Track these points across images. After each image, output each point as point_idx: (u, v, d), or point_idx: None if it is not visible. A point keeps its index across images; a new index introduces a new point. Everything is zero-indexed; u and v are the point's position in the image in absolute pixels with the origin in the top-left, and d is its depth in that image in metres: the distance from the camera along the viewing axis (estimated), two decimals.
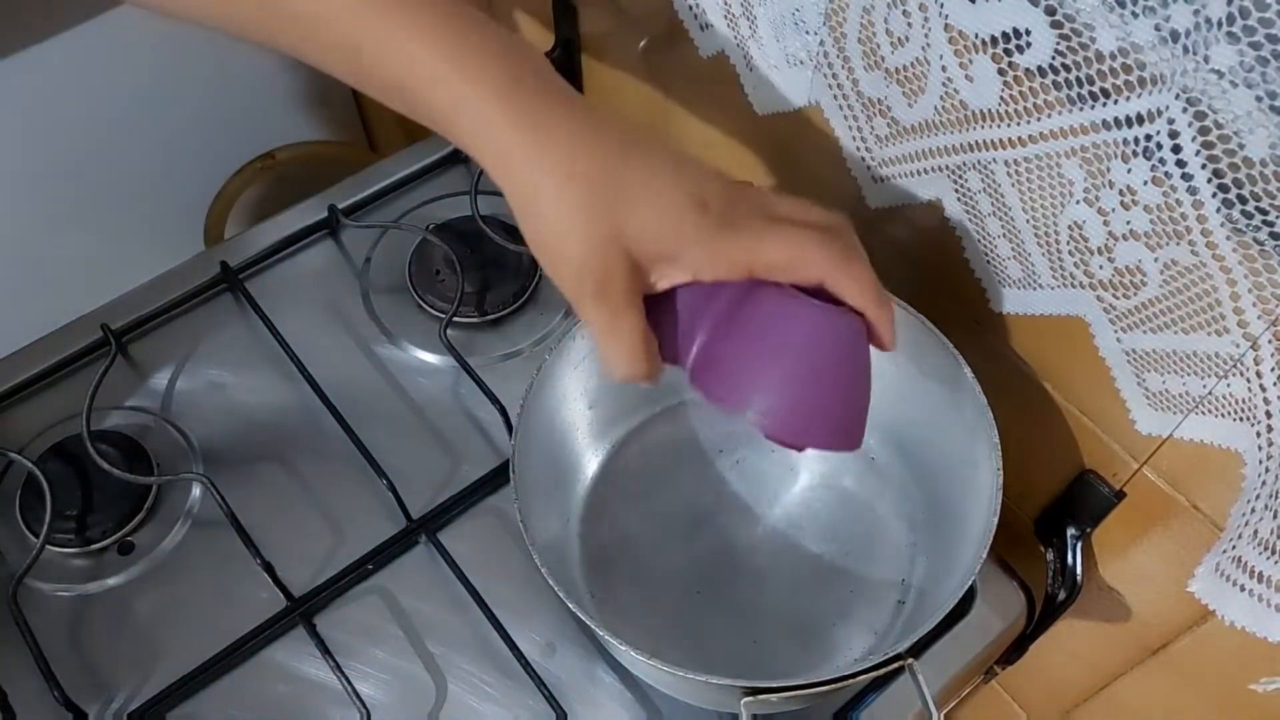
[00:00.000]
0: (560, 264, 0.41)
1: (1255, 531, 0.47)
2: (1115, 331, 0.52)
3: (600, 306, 0.42)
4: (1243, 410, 0.47)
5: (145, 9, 0.45)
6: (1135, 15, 0.41)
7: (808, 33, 0.58)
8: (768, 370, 0.44)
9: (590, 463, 0.65)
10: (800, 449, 0.48)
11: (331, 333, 0.74)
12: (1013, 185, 0.52)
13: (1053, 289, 0.54)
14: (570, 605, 0.50)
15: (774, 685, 0.49)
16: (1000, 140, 0.51)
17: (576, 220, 0.40)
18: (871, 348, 0.47)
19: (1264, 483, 0.47)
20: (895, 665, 0.50)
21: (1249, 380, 0.46)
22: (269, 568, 0.62)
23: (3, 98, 0.86)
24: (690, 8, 0.66)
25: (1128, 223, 0.47)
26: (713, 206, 0.41)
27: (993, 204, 0.54)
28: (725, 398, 0.45)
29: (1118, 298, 0.50)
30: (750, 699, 0.49)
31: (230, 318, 0.75)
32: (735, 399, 0.44)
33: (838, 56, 0.57)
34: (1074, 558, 0.61)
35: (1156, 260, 0.47)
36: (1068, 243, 0.51)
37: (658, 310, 0.44)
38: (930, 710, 0.51)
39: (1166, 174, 0.44)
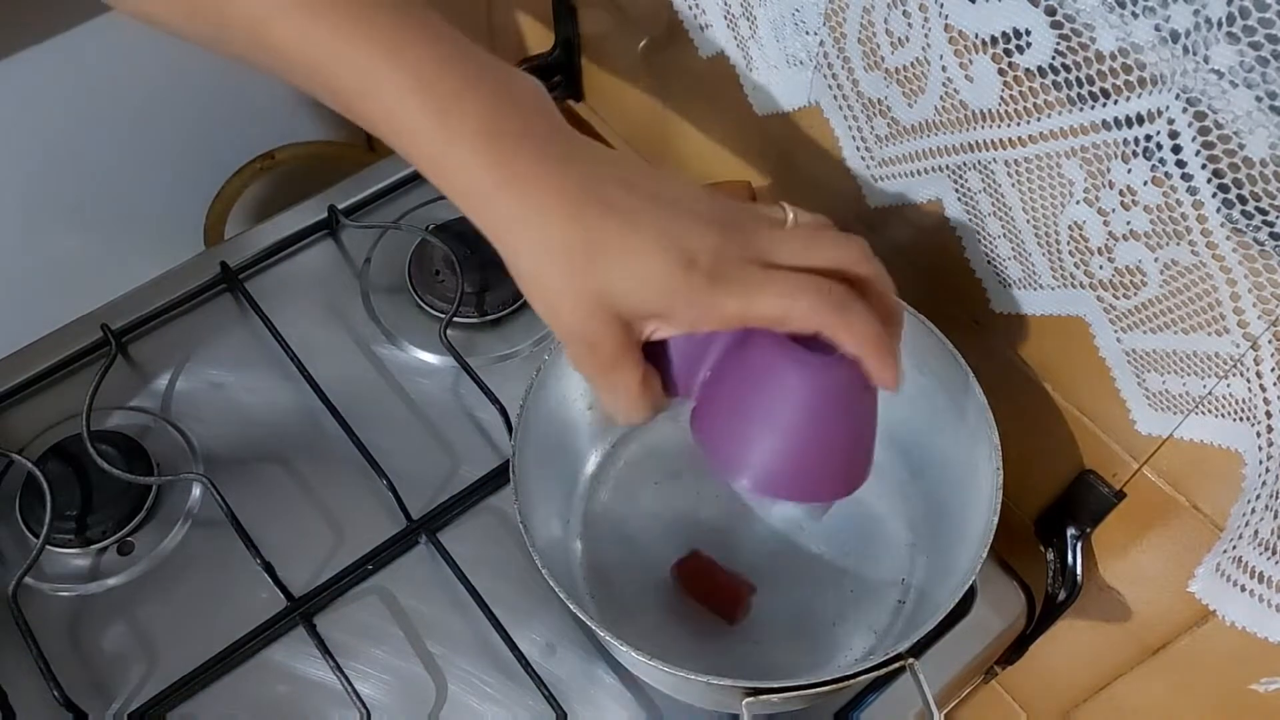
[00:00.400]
0: (551, 322, 0.41)
1: (1256, 532, 0.47)
2: (1115, 331, 0.52)
3: (592, 365, 0.41)
4: (1243, 410, 0.47)
5: (131, 17, 0.45)
6: (1135, 15, 0.41)
7: (808, 33, 0.58)
8: (757, 435, 0.44)
9: (590, 463, 0.65)
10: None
11: (331, 333, 0.74)
12: (1013, 185, 0.52)
13: (1053, 289, 0.54)
14: (571, 607, 0.50)
15: (776, 685, 0.49)
16: (1000, 140, 0.51)
17: (561, 290, 0.39)
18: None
19: (1264, 483, 0.47)
20: (896, 665, 0.50)
21: (1249, 380, 0.46)
22: (269, 568, 0.62)
23: (3, 98, 0.86)
24: (690, 8, 0.66)
25: (1128, 223, 0.47)
26: (701, 262, 0.39)
27: (993, 204, 0.54)
28: (718, 465, 0.45)
29: (1118, 298, 0.50)
30: (752, 699, 0.49)
31: (230, 318, 0.75)
32: (727, 468, 0.45)
33: (838, 56, 0.57)
34: (1074, 558, 0.61)
35: (1156, 260, 0.47)
36: (1068, 243, 0.51)
37: (660, 348, 0.43)
38: (931, 710, 0.51)
39: (1166, 174, 0.44)
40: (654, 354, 0.43)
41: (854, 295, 0.42)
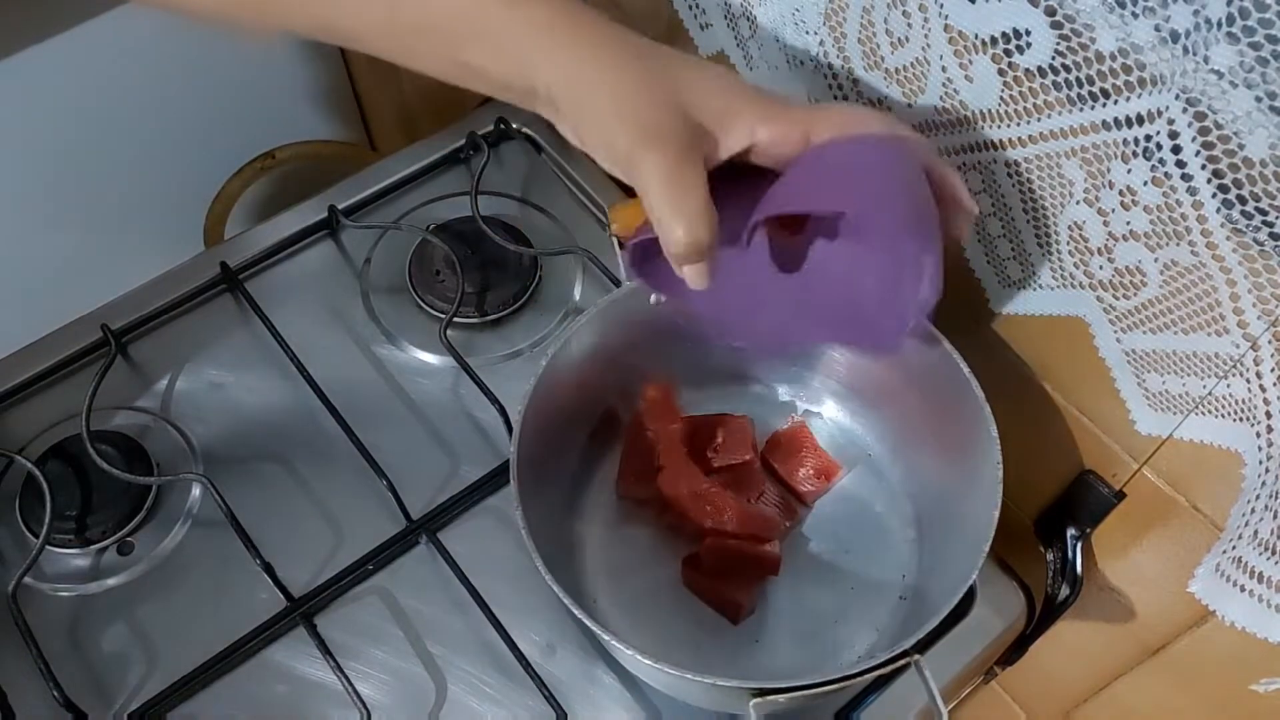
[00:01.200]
0: (622, 127, 0.43)
1: (1255, 532, 0.47)
2: (1115, 332, 0.52)
3: (663, 160, 0.42)
4: (1243, 410, 0.47)
5: (150, 4, 0.45)
6: (1135, 15, 0.41)
7: (808, 33, 0.58)
8: (835, 177, 0.46)
9: (590, 463, 0.65)
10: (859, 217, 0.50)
11: (331, 333, 0.74)
12: (1013, 185, 0.52)
13: (1053, 289, 0.54)
14: (576, 611, 0.50)
15: (783, 686, 0.49)
16: (1000, 140, 0.51)
17: (637, 89, 0.43)
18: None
19: (1264, 483, 0.47)
20: (903, 662, 0.50)
21: (1249, 380, 0.46)
22: (269, 568, 0.62)
23: (3, 98, 0.86)
24: (690, 7, 0.66)
25: (1128, 223, 0.47)
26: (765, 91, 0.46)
27: (993, 204, 0.54)
28: (790, 202, 0.46)
29: (1118, 298, 0.50)
30: (759, 700, 0.49)
31: (230, 318, 0.75)
32: (802, 200, 0.46)
33: (838, 56, 0.57)
34: (1074, 558, 0.61)
35: (1156, 260, 0.47)
36: (1068, 243, 0.51)
37: (717, 198, 0.44)
38: (938, 707, 0.51)
39: (1166, 174, 0.44)
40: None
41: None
